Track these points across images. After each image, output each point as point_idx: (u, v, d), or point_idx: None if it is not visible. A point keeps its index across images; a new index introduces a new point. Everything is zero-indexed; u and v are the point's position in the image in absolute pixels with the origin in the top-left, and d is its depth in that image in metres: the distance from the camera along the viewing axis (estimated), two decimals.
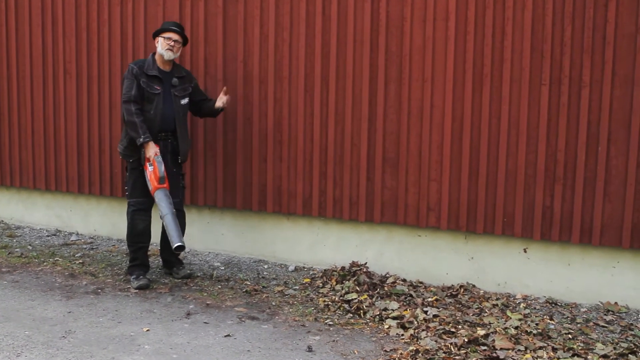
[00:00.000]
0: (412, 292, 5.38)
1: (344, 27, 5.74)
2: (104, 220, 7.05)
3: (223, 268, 6.14)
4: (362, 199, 5.79)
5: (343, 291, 5.37)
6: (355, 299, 5.21)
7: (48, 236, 7.14)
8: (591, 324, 4.92)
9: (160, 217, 5.37)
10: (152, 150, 5.41)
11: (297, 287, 5.63)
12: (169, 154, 5.62)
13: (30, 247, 6.71)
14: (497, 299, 5.34)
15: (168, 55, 5.53)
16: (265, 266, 6.19)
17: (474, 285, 5.57)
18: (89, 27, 6.76)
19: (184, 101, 5.67)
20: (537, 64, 5.21)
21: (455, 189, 5.51)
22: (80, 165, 6.94)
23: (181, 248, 5.21)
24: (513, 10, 5.23)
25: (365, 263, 5.81)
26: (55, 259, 6.33)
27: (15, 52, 7.19)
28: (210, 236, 6.52)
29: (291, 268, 6.10)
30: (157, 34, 5.61)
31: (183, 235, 5.80)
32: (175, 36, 5.56)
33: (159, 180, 5.36)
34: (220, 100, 5.73)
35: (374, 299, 5.21)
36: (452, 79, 5.44)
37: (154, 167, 5.37)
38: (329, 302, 5.23)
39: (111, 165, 6.75)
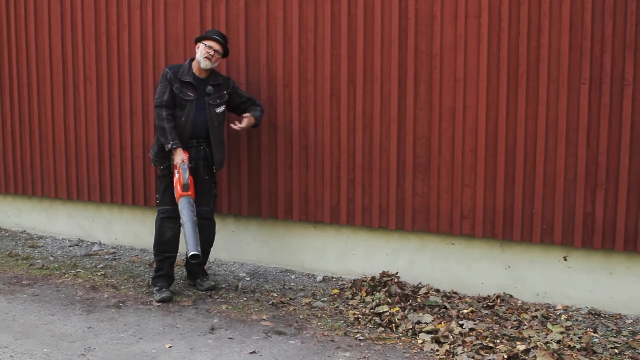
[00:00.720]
0: (446, 304, 5.12)
1: (371, 27, 5.50)
2: (126, 230, 6.88)
3: (248, 279, 5.92)
4: (393, 206, 5.55)
5: (374, 303, 5.12)
6: (387, 311, 4.96)
7: (70, 246, 6.99)
8: (638, 337, 4.63)
9: (181, 223, 5.20)
10: (179, 157, 5.25)
11: (326, 299, 5.40)
12: (201, 160, 5.45)
13: (52, 258, 6.55)
14: (536, 310, 5.06)
15: (205, 64, 5.36)
16: (292, 276, 5.97)
17: (511, 296, 5.29)
18: (109, 32, 6.59)
19: (220, 109, 5.49)
20: (576, 62, 4.93)
21: (491, 194, 5.24)
22: (101, 173, 6.78)
23: (196, 257, 5.02)
24: (550, 5, 4.95)
25: (397, 273, 5.56)
26: (77, 270, 6.16)
27: (35, 58, 7.05)
28: (235, 245, 6.31)
29: (319, 278, 5.86)
30: (199, 40, 5.45)
31: (212, 244, 5.65)
32: (216, 46, 5.38)
33: (182, 187, 5.18)
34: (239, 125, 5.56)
35: (406, 312, 4.96)
36: (486, 79, 5.17)
37: (179, 174, 5.20)
38: (359, 315, 4.99)
39: (133, 174, 6.57)
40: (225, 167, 6.09)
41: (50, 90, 6.99)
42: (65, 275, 6.03)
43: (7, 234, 7.44)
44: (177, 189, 5.22)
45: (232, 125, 5.54)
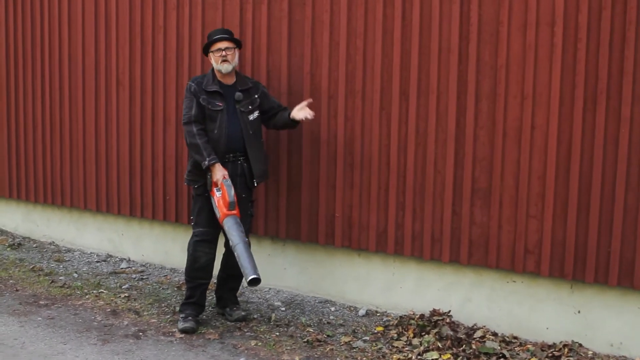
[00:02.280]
0: (505, 351, 4.47)
1: (428, 34, 4.89)
2: (156, 247, 6.38)
3: (283, 309, 5.36)
4: (447, 236, 4.92)
5: (422, 347, 4.50)
6: (437, 359, 4.33)
7: (97, 262, 6.53)
8: None
9: (231, 246, 4.69)
10: (219, 172, 4.75)
11: (367, 338, 4.80)
12: (238, 177, 4.93)
13: (75, 275, 6.10)
14: None
15: (225, 68, 4.88)
16: (332, 308, 5.38)
17: (580, 345, 4.61)
18: (143, 34, 6.12)
19: (253, 116, 4.97)
20: None
21: (560, 228, 4.57)
22: (132, 186, 6.31)
23: (257, 281, 4.52)
24: (638, 12, 4.27)
25: (449, 311, 4.92)
26: (100, 290, 5.68)
27: (67, 61, 6.64)
28: (271, 270, 5.75)
29: (361, 312, 5.26)
30: (206, 51, 4.99)
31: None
32: (223, 44, 4.88)
33: (228, 205, 4.68)
34: (302, 112, 4.91)
35: None
36: (559, 96, 4.51)
37: (223, 192, 4.70)
38: None
39: (164, 188, 6.08)
40: (263, 184, 5.55)
41: (82, 95, 6.56)
42: (87, 296, 5.56)
43: (34, 245, 7.04)
44: (222, 208, 4.71)
45: (299, 114, 4.90)
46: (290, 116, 4.97)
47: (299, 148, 5.41)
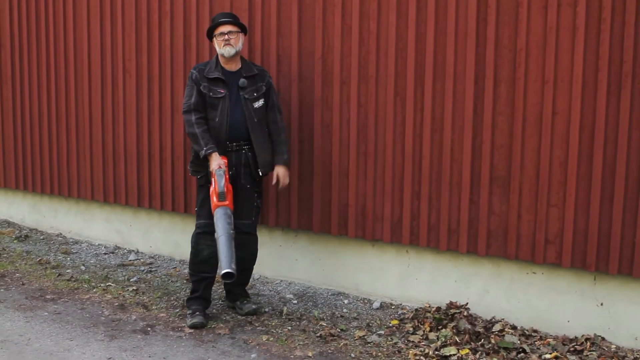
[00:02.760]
0: (525, 346, 4.31)
1: (444, 15, 4.70)
2: (165, 238, 6.24)
3: (295, 301, 5.21)
4: (464, 226, 4.74)
5: (439, 342, 4.34)
6: (455, 355, 4.17)
7: (105, 254, 6.39)
8: None
9: (215, 237, 4.52)
10: (214, 162, 4.58)
11: (382, 332, 4.64)
12: (243, 166, 4.78)
13: (83, 268, 5.96)
14: (634, 358, 4.21)
15: (228, 51, 4.70)
16: (346, 301, 5.22)
17: (603, 338, 4.44)
18: (150, 20, 5.96)
19: (258, 104, 4.79)
20: None
21: (583, 217, 4.39)
22: (140, 176, 6.16)
23: (230, 276, 4.34)
24: None
25: (466, 304, 4.76)
26: (108, 284, 5.55)
27: (73, 49, 6.48)
28: (282, 262, 5.60)
29: (376, 305, 5.10)
30: (209, 35, 4.83)
31: (254, 262, 4.96)
32: (226, 28, 4.71)
33: (218, 196, 4.52)
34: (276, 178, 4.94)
35: (477, 355, 4.17)
36: (581, 80, 4.32)
37: (213, 182, 4.54)
38: (421, 357, 4.21)
39: (173, 177, 5.92)
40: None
41: (88, 84, 6.41)
42: (94, 290, 5.42)
43: (42, 237, 6.91)
44: (213, 198, 4.56)
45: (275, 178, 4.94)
46: (275, 167, 4.90)
47: (310, 135, 5.24)
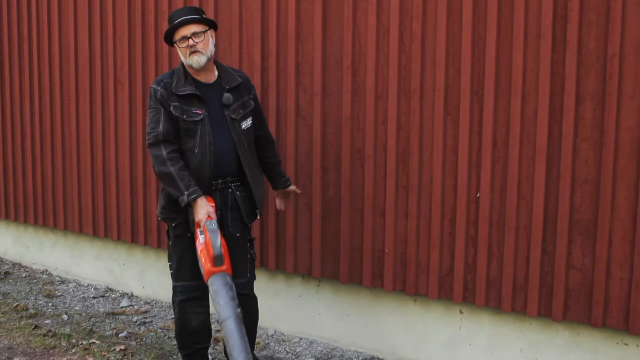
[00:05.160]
0: None
1: (509, 13, 3.67)
2: (163, 281, 5.25)
3: None
4: (534, 282, 3.70)
5: None
6: None
7: (94, 297, 5.42)
8: None
9: (218, 321, 3.44)
10: (202, 210, 3.46)
11: None
12: (230, 210, 3.68)
13: (65, 317, 4.99)
14: None
15: (196, 61, 3.55)
16: None
17: None
18: (145, 22, 4.99)
19: (246, 124, 3.70)
20: None
21: None
22: (134, 207, 5.19)
23: None
24: None
25: None
26: (91, 341, 4.56)
27: (58, 56, 5.53)
28: (302, 315, 4.59)
29: None
30: (168, 40, 3.67)
31: (256, 326, 3.91)
32: (188, 29, 3.55)
33: (213, 260, 3.41)
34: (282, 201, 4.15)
35: None
36: None
37: (206, 240, 3.44)
38: None
39: None
40: (291, 208, 4.39)
41: (75, 97, 5.46)
42: (73, 350, 4.44)
43: (24, 275, 5.96)
44: (206, 262, 3.45)
45: (280, 199, 4.09)
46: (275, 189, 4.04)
47: (337, 163, 4.23)
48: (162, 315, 5.07)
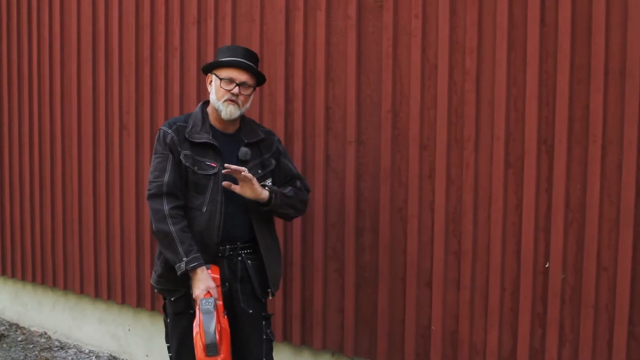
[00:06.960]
0: None
1: (585, 47, 3.05)
2: None
3: None
4: None
5: None
6: None
7: None
8: None
9: None
10: (201, 285, 2.90)
11: None
12: (240, 282, 3.11)
13: None
14: None
15: (229, 112, 3.06)
16: None
17: None
18: (154, 58, 4.45)
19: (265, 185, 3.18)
20: None
21: None
22: (139, 267, 4.62)
23: None
24: None
25: None
26: None
27: (60, 100, 5.01)
28: None
29: None
30: (208, 70, 3.17)
31: None
32: (242, 76, 3.08)
33: (205, 349, 2.78)
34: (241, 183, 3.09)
35: None
36: None
37: (199, 322, 2.83)
38: None
39: None
40: (319, 276, 3.76)
41: (77, 144, 4.93)
42: None
43: (20, 338, 5.36)
44: (198, 350, 2.84)
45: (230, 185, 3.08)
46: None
47: (375, 224, 3.63)
48: None
